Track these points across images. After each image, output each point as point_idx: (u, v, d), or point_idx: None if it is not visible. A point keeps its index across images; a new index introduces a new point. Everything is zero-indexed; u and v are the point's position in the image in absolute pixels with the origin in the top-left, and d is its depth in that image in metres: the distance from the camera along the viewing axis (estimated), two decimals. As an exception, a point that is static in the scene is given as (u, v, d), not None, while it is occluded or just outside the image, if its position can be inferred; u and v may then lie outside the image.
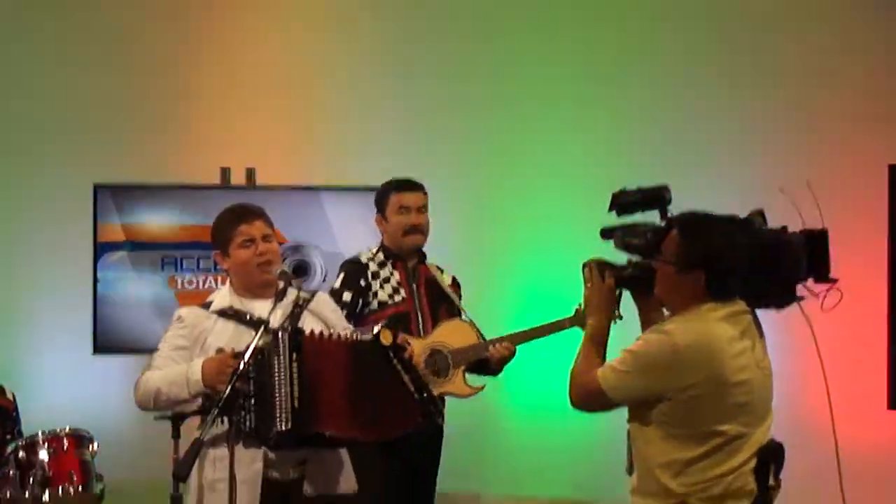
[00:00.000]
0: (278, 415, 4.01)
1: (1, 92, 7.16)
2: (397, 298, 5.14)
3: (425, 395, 4.27)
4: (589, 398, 3.56)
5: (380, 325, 4.28)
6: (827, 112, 6.82)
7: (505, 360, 5.15)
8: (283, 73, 7.30)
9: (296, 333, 4.10)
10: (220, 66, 7.27)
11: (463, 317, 5.23)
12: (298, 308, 4.29)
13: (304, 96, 7.29)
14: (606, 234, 3.72)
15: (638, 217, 3.72)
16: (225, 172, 7.02)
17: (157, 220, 6.89)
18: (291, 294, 4.30)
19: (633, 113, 7.04)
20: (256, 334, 4.05)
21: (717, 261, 3.44)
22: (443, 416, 5.20)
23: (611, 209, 3.75)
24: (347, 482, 4.32)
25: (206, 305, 4.37)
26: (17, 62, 7.18)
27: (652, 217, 3.70)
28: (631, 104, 7.03)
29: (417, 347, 5.01)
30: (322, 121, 7.27)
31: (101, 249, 6.86)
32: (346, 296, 5.06)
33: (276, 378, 4.03)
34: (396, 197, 5.21)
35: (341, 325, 4.44)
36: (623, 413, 3.64)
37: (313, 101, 7.29)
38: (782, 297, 3.57)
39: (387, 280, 5.16)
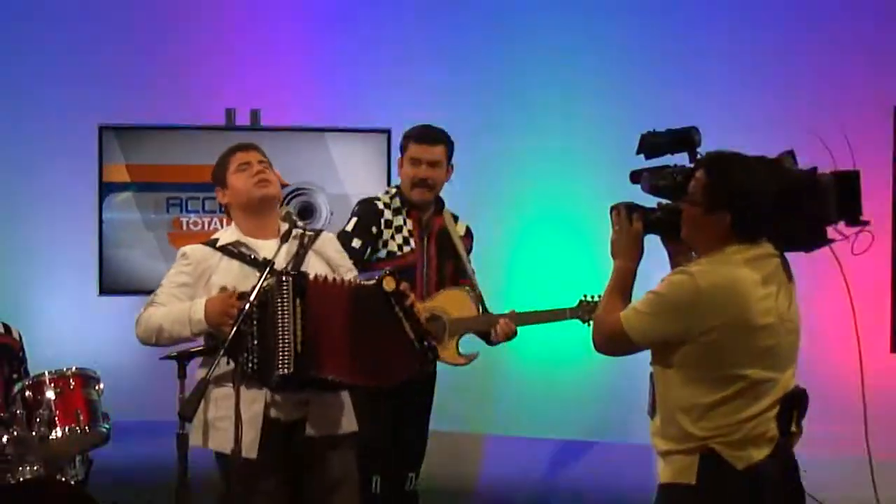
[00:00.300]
0: (281, 358, 4.01)
1: (5, 36, 7.13)
2: (406, 249, 5.07)
3: (425, 342, 4.28)
4: (612, 341, 3.51)
5: (384, 270, 4.29)
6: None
7: (507, 339, 5.14)
8: (288, 15, 7.27)
9: (300, 277, 4.11)
10: (226, 8, 7.24)
11: (470, 272, 5.15)
12: (303, 249, 4.29)
13: (309, 38, 7.26)
14: (634, 177, 3.66)
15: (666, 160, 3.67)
16: (230, 113, 7.01)
17: (162, 162, 6.89)
18: (296, 235, 4.30)
19: (653, 55, 6.99)
20: (261, 275, 4.06)
21: (743, 201, 3.37)
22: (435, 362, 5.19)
23: (639, 151, 3.68)
24: (349, 422, 4.34)
25: (211, 243, 4.37)
26: (21, 6, 7.15)
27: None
28: (651, 48, 6.99)
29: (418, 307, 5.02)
30: (328, 63, 7.25)
31: (105, 191, 6.87)
32: (356, 242, 4.98)
33: (280, 321, 4.03)
34: (413, 147, 5.11)
35: (345, 267, 4.44)
36: (629, 357, 3.65)
37: (319, 43, 7.27)
38: (812, 239, 3.49)
39: (399, 229, 5.09)
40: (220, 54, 7.20)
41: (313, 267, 4.27)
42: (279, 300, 4.05)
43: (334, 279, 4.21)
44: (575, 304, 5.13)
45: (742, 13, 7.01)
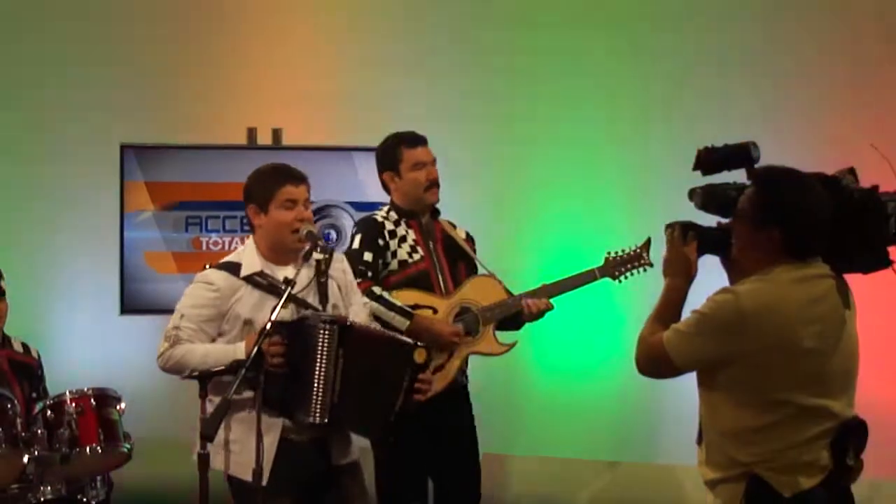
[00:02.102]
0: (315, 405, 4.03)
1: (28, 52, 7.15)
2: (416, 257, 5.04)
3: (396, 419, 4.24)
4: (653, 362, 3.40)
5: (418, 344, 4.27)
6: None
7: (542, 314, 5.06)
8: (309, 33, 7.26)
9: (347, 329, 4.10)
10: (247, 25, 7.24)
11: (485, 272, 5.13)
12: (323, 276, 4.25)
13: (330, 56, 7.25)
14: (691, 194, 3.55)
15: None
16: (251, 132, 7.01)
17: (182, 180, 6.88)
18: (314, 260, 4.27)
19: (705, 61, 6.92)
20: (283, 297, 4.03)
21: (793, 216, 3.27)
22: (466, 375, 5.13)
23: (696, 168, 3.57)
24: (357, 448, 4.34)
25: (231, 266, 4.33)
26: (43, 24, 7.17)
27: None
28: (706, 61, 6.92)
29: (444, 305, 4.99)
30: (348, 81, 7.23)
31: (126, 209, 6.86)
32: (367, 256, 4.96)
33: (319, 367, 4.04)
34: (410, 152, 5.08)
35: (353, 289, 4.46)
36: (638, 377, 3.55)
37: (340, 62, 7.26)
38: (870, 260, 3.38)
39: (403, 239, 5.06)
40: (241, 73, 7.20)
41: (330, 295, 4.28)
42: (322, 345, 4.04)
43: (374, 328, 4.23)
44: (601, 262, 5.08)
45: (812, 27, 6.90)
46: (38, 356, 5.63)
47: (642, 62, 6.91)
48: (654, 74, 6.87)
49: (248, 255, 4.34)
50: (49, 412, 4.94)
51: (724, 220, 3.51)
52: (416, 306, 4.94)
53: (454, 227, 5.23)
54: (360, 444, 4.48)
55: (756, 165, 3.51)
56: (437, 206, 5.17)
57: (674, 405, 3.56)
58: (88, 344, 7.01)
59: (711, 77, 6.80)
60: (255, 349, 3.98)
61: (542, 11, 7.05)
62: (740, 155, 3.54)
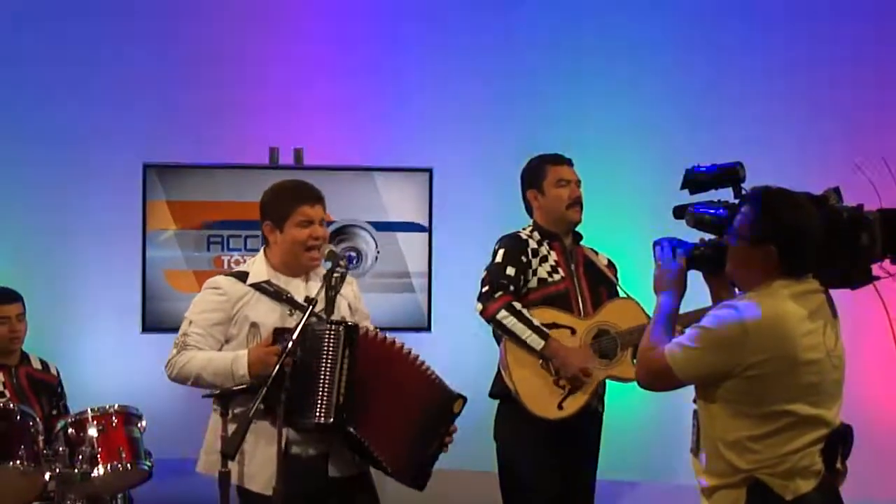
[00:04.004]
0: (320, 406, 4.01)
1: (51, 73, 7.19)
2: (556, 277, 4.98)
3: (426, 472, 4.27)
4: (656, 376, 3.49)
5: (461, 397, 4.31)
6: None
7: None
8: (331, 55, 7.29)
9: (352, 329, 4.11)
10: (269, 46, 7.27)
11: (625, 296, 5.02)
12: (333, 292, 4.26)
13: (352, 77, 7.28)
14: (678, 212, 3.66)
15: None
16: (273, 152, 7.03)
17: (205, 200, 6.91)
18: (328, 275, 4.28)
19: (697, 86, 6.98)
20: (304, 315, 4.04)
21: (790, 235, 3.36)
22: (603, 402, 5.03)
23: (683, 187, 3.68)
24: (364, 461, 4.32)
25: (238, 274, 4.35)
26: (67, 46, 7.21)
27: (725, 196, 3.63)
28: (698, 80, 6.97)
29: (582, 326, 4.92)
30: (370, 102, 7.26)
31: (149, 228, 6.89)
32: (510, 270, 4.92)
33: (324, 367, 4.03)
34: (555, 170, 5.05)
35: (362, 312, 4.47)
36: (672, 394, 3.61)
37: (362, 82, 7.28)
38: (857, 276, 3.48)
39: (545, 258, 5.00)
40: (263, 92, 7.23)
41: (340, 310, 4.29)
42: (327, 346, 4.04)
43: (385, 337, 4.24)
44: None
45: (784, 48, 6.98)
46: (58, 373, 5.66)
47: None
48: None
49: (256, 265, 4.36)
50: (71, 430, 4.97)
51: (708, 237, 3.61)
52: (553, 325, 4.88)
53: (596, 253, 5.16)
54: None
55: (742, 185, 3.61)
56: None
57: (690, 424, 3.58)
58: (110, 362, 7.04)
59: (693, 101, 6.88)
60: (275, 370, 3.98)
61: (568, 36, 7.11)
62: (728, 175, 3.64)
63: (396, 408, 4.18)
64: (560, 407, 4.82)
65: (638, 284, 4.78)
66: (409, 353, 4.28)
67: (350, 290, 4.45)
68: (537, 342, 4.80)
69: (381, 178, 6.94)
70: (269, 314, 4.23)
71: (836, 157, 6.16)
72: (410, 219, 6.86)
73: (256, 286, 4.28)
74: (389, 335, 4.31)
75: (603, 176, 6.80)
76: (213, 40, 7.22)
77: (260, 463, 4.13)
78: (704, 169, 3.67)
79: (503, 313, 4.80)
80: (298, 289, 4.29)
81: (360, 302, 4.51)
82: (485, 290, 4.89)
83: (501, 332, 4.87)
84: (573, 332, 4.90)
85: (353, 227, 6.87)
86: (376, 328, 4.37)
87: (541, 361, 4.84)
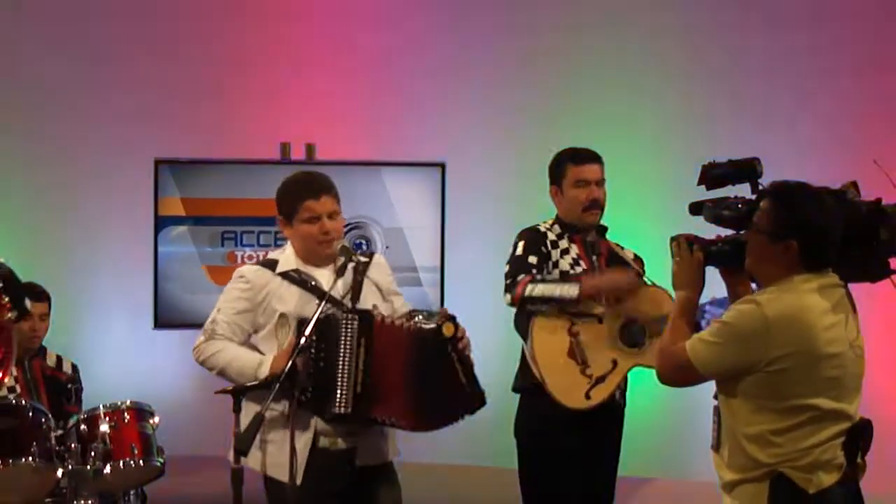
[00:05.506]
0: (339, 396, 4.02)
1: (65, 70, 7.19)
2: (578, 270, 4.90)
3: (476, 387, 4.24)
4: (677, 371, 3.50)
5: (444, 316, 4.23)
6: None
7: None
8: (343, 49, 7.28)
9: (367, 317, 4.10)
10: (281, 42, 7.26)
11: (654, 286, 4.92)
12: (359, 279, 4.26)
13: (364, 72, 7.27)
14: (695, 208, 3.65)
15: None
16: (285, 148, 7.03)
17: (217, 195, 6.90)
18: (351, 264, 4.28)
19: (712, 83, 6.95)
20: (318, 308, 4.04)
21: (811, 229, 3.36)
22: (625, 396, 4.98)
23: (700, 182, 3.68)
24: (392, 449, 4.33)
25: (269, 263, 4.35)
26: (79, 43, 7.21)
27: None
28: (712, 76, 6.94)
29: (609, 315, 4.84)
30: (382, 96, 7.25)
31: (161, 224, 6.89)
32: (532, 259, 4.85)
33: (342, 359, 4.03)
34: (575, 169, 4.94)
35: (394, 291, 4.44)
36: (690, 390, 3.59)
37: (373, 77, 7.27)
38: (876, 270, 3.49)
39: (566, 251, 4.93)
40: (275, 88, 7.22)
41: (368, 296, 4.28)
42: (344, 337, 4.04)
43: (399, 321, 4.21)
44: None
45: (803, 43, 6.94)
46: (73, 369, 5.67)
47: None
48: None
49: (285, 255, 4.36)
50: (83, 426, 4.96)
51: (725, 233, 3.59)
52: (579, 314, 4.80)
53: (622, 248, 5.07)
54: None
55: (759, 180, 3.61)
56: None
57: (709, 421, 3.56)
58: (122, 358, 7.04)
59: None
60: (290, 363, 3.99)
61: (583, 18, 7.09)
62: (745, 170, 3.65)
63: (398, 374, 4.16)
64: (588, 396, 4.79)
65: (657, 281, 4.75)
66: (412, 326, 4.24)
67: (383, 271, 4.43)
68: (572, 290, 4.72)
69: (393, 172, 6.92)
70: (297, 304, 4.23)
71: (853, 152, 6.11)
72: (422, 213, 6.84)
73: (285, 275, 4.28)
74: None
75: (621, 172, 6.79)
76: (223, 38, 7.21)
77: (287, 453, 4.12)
78: (721, 164, 3.67)
79: (529, 287, 4.73)
80: (326, 278, 4.27)
81: (392, 282, 4.48)
82: (508, 281, 4.86)
83: (538, 308, 4.78)
84: (600, 320, 4.84)
85: (363, 222, 6.85)
86: (413, 308, 4.37)
87: (567, 350, 4.79)
